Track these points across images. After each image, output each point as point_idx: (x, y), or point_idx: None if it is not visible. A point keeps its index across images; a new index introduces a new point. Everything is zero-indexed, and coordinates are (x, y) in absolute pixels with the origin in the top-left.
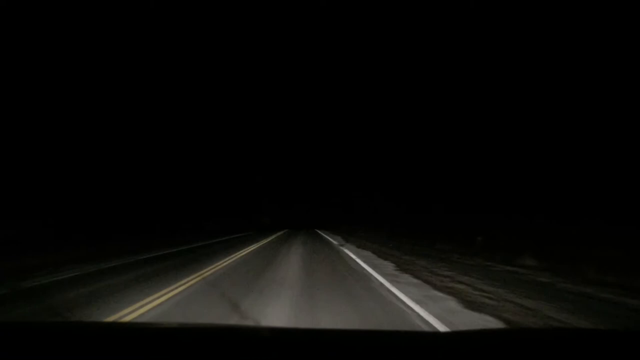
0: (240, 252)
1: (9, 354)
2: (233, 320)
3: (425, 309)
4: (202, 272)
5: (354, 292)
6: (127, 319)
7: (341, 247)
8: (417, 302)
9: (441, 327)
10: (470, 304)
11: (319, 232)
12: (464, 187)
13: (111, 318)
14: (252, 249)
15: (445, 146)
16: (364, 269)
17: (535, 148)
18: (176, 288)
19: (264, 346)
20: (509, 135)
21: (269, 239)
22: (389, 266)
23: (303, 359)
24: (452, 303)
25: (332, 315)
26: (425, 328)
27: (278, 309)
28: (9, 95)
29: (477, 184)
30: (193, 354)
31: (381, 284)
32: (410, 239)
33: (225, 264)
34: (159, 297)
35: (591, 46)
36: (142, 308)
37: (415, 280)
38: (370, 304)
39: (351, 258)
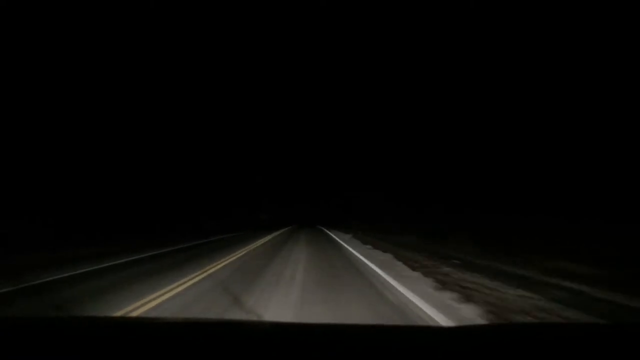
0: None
1: (11, 351)
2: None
3: None
4: None
5: None
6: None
7: None
8: None
9: None
10: None
11: (328, 232)
12: (463, 187)
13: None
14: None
15: (444, 145)
16: None
17: (536, 147)
18: None
19: (267, 341)
20: (509, 134)
21: (251, 246)
22: None
23: (305, 355)
24: None
25: None
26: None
27: None
28: (9, 95)
29: (475, 183)
30: (198, 348)
31: None
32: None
33: None
34: None
35: (592, 45)
36: None
37: None
38: None
39: None
